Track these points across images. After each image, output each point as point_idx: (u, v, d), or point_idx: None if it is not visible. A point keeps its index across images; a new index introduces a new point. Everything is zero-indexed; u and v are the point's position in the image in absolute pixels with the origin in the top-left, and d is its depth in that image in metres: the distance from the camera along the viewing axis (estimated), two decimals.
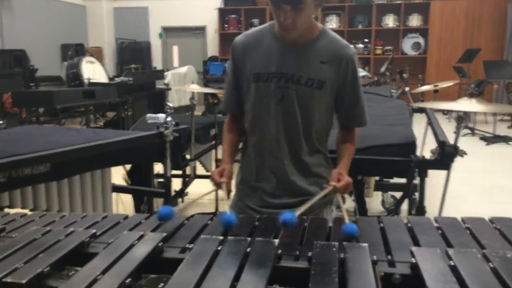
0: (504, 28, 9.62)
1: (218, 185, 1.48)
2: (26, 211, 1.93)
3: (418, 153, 2.35)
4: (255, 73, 1.55)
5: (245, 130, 1.68)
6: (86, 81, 7.15)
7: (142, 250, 0.97)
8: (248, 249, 0.96)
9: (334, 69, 1.52)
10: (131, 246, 0.99)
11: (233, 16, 10.85)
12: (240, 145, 1.75)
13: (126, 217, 1.27)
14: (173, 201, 3.58)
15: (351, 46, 1.57)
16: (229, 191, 1.50)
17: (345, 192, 1.43)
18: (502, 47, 9.67)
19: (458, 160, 2.28)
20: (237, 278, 0.85)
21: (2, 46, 8.50)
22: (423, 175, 2.28)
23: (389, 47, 10.27)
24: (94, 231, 1.10)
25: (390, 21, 10.32)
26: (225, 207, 1.28)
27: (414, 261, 0.90)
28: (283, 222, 1.11)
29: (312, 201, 1.31)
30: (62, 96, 5.27)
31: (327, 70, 1.51)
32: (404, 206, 2.69)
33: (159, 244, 1.00)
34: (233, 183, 1.75)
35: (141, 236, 1.05)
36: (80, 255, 1.00)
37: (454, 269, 0.86)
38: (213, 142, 3.90)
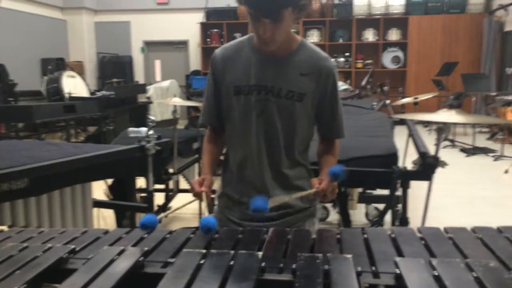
0: (480, 41, 9.87)
1: (198, 195, 1.45)
2: (4, 227, 1.87)
3: (400, 164, 2.37)
4: (236, 86, 1.54)
5: (226, 143, 1.68)
6: (66, 95, 7.07)
7: (122, 265, 0.95)
8: (231, 262, 0.95)
9: (314, 82, 1.52)
10: (111, 262, 0.97)
11: (215, 30, 10.93)
12: (222, 158, 1.74)
13: (106, 232, 1.24)
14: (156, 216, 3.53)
15: (331, 59, 1.58)
16: (209, 200, 1.47)
17: (331, 196, 1.41)
18: (479, 60, 9.91)
19: (439, 172, 2.30)
20: None
21: None
22: (405, 186, 2.30)
23: (369, 61, 10.46)
24: (73, 246, 1.07)
25: (370, 36, 10.52)
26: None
27: (398, 271, 0.89)
28: (254, 210, 1.11)
29: (290, 197, 1.31)
30: (42, 111, 5.19)
31: (307, 83, 1.51)
32: (388, 217, 2.70)
33: (140, 259, 0.98)
34: (215, 195, 1.74)
35: (122, 251, 1.02)
36: (58, 272, 0.97)
37: (438, 279, 0.86)
38: (196, 156, 3.88)
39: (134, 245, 1.13)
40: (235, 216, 1.62)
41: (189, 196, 4.30)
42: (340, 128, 1.62)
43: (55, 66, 8.77)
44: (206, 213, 4.07)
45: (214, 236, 1.18)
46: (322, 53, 1.56)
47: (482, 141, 7.63)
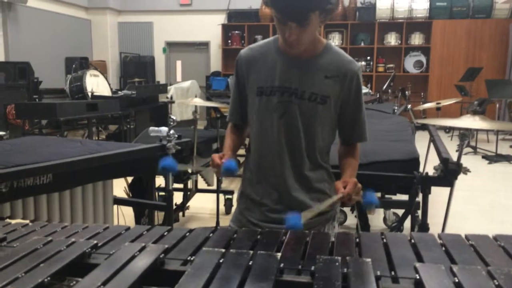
0: (506, 47, 9.68)
1: (217, 167, 1.46)
2: (27, 221, 1.92)
3: (421, 170, 2.34)
4: (259, 86, 1.55)
5: (248, 144, 1.69)
6: (89, 94, 7.19)
7: (143, 262, 0.96)
8: (250, 262, 0.95)
9: (338, 84, 1.52)
10: (133, 258, 0.98)
11: (236, 32, 10.97)
12: (241, 160, 1.75)
13: (127, 229, 1.26)
14: (174, 215, 3.56)
15: (356, 61, 1.58)
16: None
17: (357, 198, 1.41)
18: (504, 66, 9.72)
19: (460, 179, 2.27)
20: None
21: (7, 58, 8.57)
22: (426, 192, 2.27)
23: (391, 65, 10.36)
24: (95, 242, 1.09)
25: (392, 39, 10.42)
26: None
27: (418, 277, 0.88)
28: (289, 226, 1.13)
29: (321, 207, 1.32)
30: (65, 109, 5.29)
31: (331, 85, 1.51)
32: (407, 223, 2.67)
33: (161, 256, 0.99)
34: (234, 197, 1.75)
35: (143, 248, 1.04)
36: (81, 266, 0.99)
37: (458, 286, 0.85)
38: None
39: (155, 242, 1.14)
40: (254, 218, 1.62)
41: (207, 196, 4.32)
42: (362, 131, 1.61)
43: (79, 65, 8.92)
44: (223, 215, 4.09)
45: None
46: (347, 56, 1.56)
47: (505, 149, 7.48)
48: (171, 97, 6.73)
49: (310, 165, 1.57)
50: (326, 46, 1.55)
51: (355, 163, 1.62)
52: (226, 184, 4.84)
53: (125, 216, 3.22)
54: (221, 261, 0.96)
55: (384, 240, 1.15)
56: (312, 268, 0.93)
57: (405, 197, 2.48)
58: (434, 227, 2.54)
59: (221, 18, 11.13)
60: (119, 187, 3.18)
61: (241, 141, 1.74)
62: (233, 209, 1.69)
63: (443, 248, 1.10)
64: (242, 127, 1.71)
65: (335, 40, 10.44)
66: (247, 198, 1.66)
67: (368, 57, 10.49)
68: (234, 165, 1.28)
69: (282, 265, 0.95)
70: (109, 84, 8.37)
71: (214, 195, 3.89)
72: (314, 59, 1.52)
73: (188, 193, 4.01)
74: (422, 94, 9.84)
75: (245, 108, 1.64)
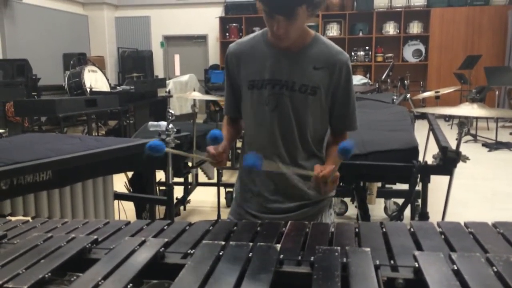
0: (504, 34, 9.64)
1: (213, 157, 1.47)
2: (28, 218, 1.92)
3: (420, 159, 2.34)
4: (250, 80, 1.56)
5: (243, 137, 1.71)
6: (88, 90, 7.18)
7: (143, 256, 0.97)
8: (250, 254, 0.95)
9: (328, 75, 1.53)
10: (133, 252, 0.99)
11: (234, 24, 10.93)
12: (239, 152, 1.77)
13: (127, 223, 1.27)
14: (175, 209, 3.57)
15: (345, 52, 1.58)
16: (224, 160, 1.52)
17: (331, 187, 1.40)
18: (503, 53, 9.69)
19: (460, 167, 2.27)
20: (239, 283, 0.84)
21: (5, 55, 8.55)
22: (425, 181, 2.28)
23: (390, 54, 10.32)
24: (95, 237, 1.09)
25: (390, 29, 10.38)
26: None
27: (417, 265, 0.89)
28: (247, 165, 1.29)
29: (286, 168, 1.49)
30: (64, 105, 5.28)
31: (320, 76, 1.52)
32: (407, 212, 2.67)
33: (161, 250, 1.00)
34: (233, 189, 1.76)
35: (143, 242, 1.04)
36: (81, 261, 0.99)
37: (457, 273, 0.85)
38: None
39: (155, 236, 1.14)
40: (253, 209, 1.63)
41: (208, 189, 4.33)
42: (352, 120, 1.62)
43: (77, 61, 8.91)
44: (224, 208, 4.10)
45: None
46: (336, 46, 1.57)
47: (505, 136, 7.48)
48: (169, 92, 6.71)
49: (304, 155, 1.59)
50: (315, 37, 1.56)
51: None
52: (226, 177, 4.85)
53: (126, 211, 3.23)
54: (221, 253, 0.97)
55: (384, 230, 1.15)
56: (312, 258, 0.93)
57: (405, 187, 2.49)
58: (435, 216, 2.55)
59: (219, 11, 11.09)
60: (120, 182, 3.18)
61: (238, 132, 1.76)
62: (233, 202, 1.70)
63: (442, 236, 1.11)
64: (239, 119, 1.74)
65: (333, 31, 10.40)
66: (245, 190, 1.67)
67: (367, 47, 10.45)
68: (219, 132, 1.40)
69: (281, 256, 0.95)
70: (108, 80, 8.36)
71: (215, 188, 3.90)
72: (303, 51, 1.53)
73: (189, 186, 4.01)
74: (421, 83, 9.83)
75: (239, 102, 1.65)
